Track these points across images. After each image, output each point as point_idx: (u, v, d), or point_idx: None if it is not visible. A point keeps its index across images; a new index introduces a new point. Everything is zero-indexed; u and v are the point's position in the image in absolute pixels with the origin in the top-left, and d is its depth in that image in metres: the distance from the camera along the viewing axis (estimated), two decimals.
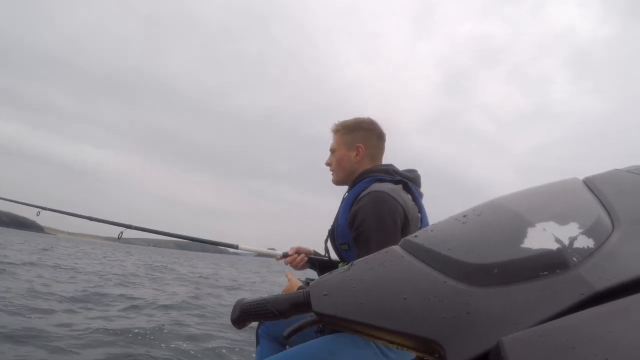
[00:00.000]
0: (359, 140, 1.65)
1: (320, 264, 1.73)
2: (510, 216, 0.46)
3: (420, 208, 1.57)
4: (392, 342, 0.41)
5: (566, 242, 0.40)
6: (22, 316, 4.50)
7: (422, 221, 1.55)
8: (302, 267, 1.75)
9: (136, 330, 4.35)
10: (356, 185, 1.57)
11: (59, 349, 3.53)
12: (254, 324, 1.24)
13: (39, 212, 2.98)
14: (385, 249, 0.47)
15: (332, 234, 1.63)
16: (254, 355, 2.03)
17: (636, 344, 0.30)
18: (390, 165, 1.66)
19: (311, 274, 1.78)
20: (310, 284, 0.48)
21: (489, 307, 0.37)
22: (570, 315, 0.34)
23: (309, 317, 0.51)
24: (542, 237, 0.41)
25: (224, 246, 2.22)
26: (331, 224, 1.65)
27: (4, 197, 3.44)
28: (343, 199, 1.64)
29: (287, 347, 1.72)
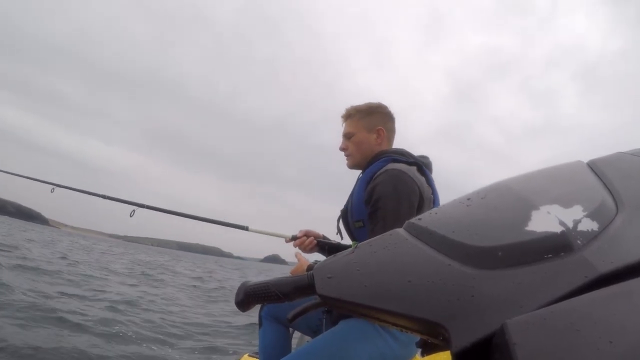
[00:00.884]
0: (379, 123, 1.66)
1: (330, 248, 1.75)
2: (515, 199, 0.45)
3: (433, 190, 1.59)
4: (396, 325, 0.42)
5: (570, 225, 0.40)
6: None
7: (435, 203, 1.58)
8: (311, 251, 1.76)
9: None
10: (372, 165, 1.59)
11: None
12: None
13: (53, 189, 3.17)
14: (389, 232, 0.47)
15: (345, 214, 1.64)
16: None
17: None
18: (403, 149, 1.67)
19: (320, 258, 1.80)
20: (314, 267, 0.48)
21: (493, 290, 0.37)
22: (575, 298, 0.34)
23: (313, 299, 0.51)
24: (546, 220, 0.41)
25: (234, 227, 2.29)
26: (344, 204, 1.67)
27: (20, 174, 3.77)
28: (358, 178, 1.66)
29: (290, 330, 1.75)
